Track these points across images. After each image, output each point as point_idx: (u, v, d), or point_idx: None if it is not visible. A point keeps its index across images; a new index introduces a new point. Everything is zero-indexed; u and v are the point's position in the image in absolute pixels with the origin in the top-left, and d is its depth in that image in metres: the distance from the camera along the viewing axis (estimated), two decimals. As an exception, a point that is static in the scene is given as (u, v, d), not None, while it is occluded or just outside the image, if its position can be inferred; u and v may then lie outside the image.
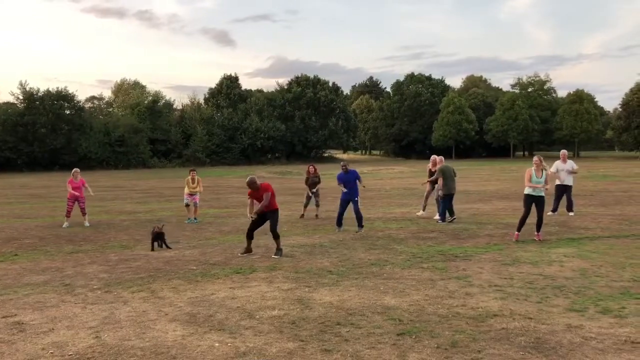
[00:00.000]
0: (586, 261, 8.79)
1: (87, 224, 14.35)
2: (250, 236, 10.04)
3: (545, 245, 10.34)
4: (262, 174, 41.95)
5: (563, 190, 14.86)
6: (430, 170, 15.18)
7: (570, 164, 15.04)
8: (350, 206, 12.72)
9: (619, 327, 5.56)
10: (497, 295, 6.83)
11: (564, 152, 15.52)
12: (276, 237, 9.86)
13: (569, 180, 14.89)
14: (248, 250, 10.01)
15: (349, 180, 12.83)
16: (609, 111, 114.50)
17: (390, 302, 6.62)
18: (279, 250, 9.77)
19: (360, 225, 12.49)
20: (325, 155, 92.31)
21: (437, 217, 14.48)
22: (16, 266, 9.34)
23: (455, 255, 9.45)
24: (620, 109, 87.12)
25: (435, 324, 5.74)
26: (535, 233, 10.91)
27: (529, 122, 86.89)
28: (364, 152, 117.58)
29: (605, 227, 12.59)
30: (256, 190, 9.89)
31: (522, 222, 11.03)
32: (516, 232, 11.05)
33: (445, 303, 6.53)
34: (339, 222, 12.83)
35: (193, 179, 15.20)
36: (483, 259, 9.11)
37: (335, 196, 22.43)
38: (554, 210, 14.69)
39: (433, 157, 15.49)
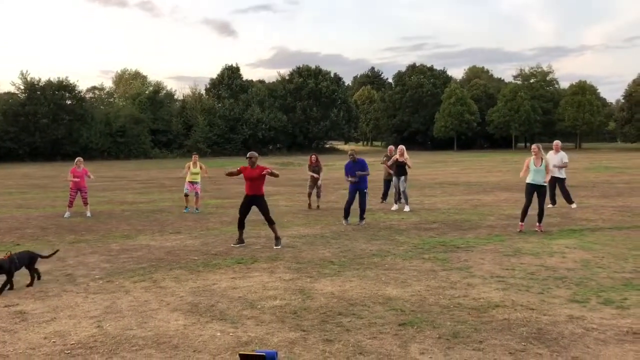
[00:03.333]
0: (588, 252, 8.78)
1: (88, 214, 14.34)
2: (241, 225, 9.96)
3: (546, 236, 10.33)
4: (263, 164, 41.91)
5: (554, 182, 14.60)
6: (397, 159, 14.63)
7: (561, 156, 14.68)
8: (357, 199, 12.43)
9: (621, 318, 5.56)
10: (499, 286, 6.83)
11: (557, 142, 15.19)
12: (271, 222, 9.79)
13: (559, 172, 14.61)
14: (240, 240, 9.93)
15: (356, 169, 12.49)
16: (611, 103, 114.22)
17: (391, 292, 6.62)
18: (277, 240, 9.71)
19: (362, 218, 12.35)
20: (327, 146, 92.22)
21: (407, 208, 14.44)
22: (18, 256, 9.33)
23: (456, 246, 9.45)
24: (623, 101, 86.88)
25: (436, 315, 5.74)
26: (537, 224, 10.92)
27: (531, 113, 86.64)
28: (365, 143, 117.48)
29: (607, 218, 12.57)
30: (253, 167, 9.87)
31: (525, 211, 11.06)
32: (520, 223, 11.08)
33: (447, 294, 6.53)
34: (347, 214, 12.45)
35: (195, 163, 15.18)
36: (485, 250, 9.11)
37: (336, 187, 22.43)
38: (553, 203, 14.61)
39: (401, 146, 15.02)
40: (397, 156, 14.71)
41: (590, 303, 6.09)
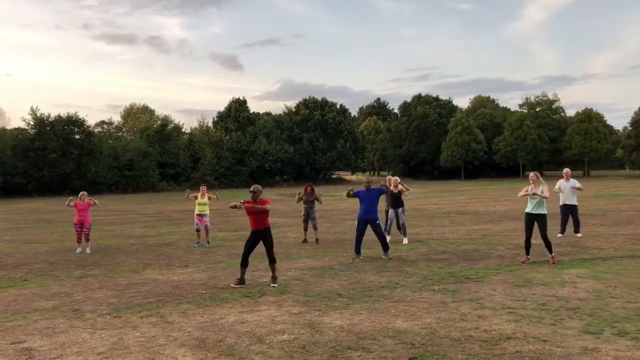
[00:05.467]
0: (600, 282, 8.66)
1: (88, 250, 13.98)
2: (245, 263, 9.37)
3: (557, 266, 10.21)
4: (271, 196, 41.96)
5: (569, 210, 14.64)
6: (392, 191, 13.90)
7: (573, 182, 14.86)
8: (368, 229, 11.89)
9: (636, 350, 5.44)
10: (510, 318, 6.72)
11: (567, 170, 15.29)
12: (273, 261, 9.32)
13: (573, 200, 14.67)
14: (241, 281, 9.31)
15: (369, 198, 11.90)
16: (618, 130, 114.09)
17: (401, 325, 6.54)
18: (274, 279, 9.30)
19: (385, 250, 11.80)
20: (334, 176, 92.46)
21: (405, 240, 14.13)
22: (26, 291, 9.33)
23: (466, 277, 9.35)
24: (630, 128, 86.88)
25: (447, 348, 5.65)
26: (549, 255, 10.60)
27: (538, 141, 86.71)
28: (372, 173, 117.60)
29: (619, 246, 12.43)
30: (256, 201, 9.38)
31: (527, 243, 10.78)
32: (525, 256, 10.76)
33: (458, 326, 6.43)
34: (357, 249, 11.91)
35: (203, 194, 15.12)
36: (495, 281, 9.00)
37: (343, 217, 22.36)
38: (562, 231, 14.49)
39: (395, 178, 14.53)
40: (391, 188, 14.02)
41: (604, 334, 5.97)
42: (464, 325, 6.47)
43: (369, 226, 11.90)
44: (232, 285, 9.28)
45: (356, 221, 12.30)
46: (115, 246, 15.35)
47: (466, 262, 10.92)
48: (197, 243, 14.85)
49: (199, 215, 14.99)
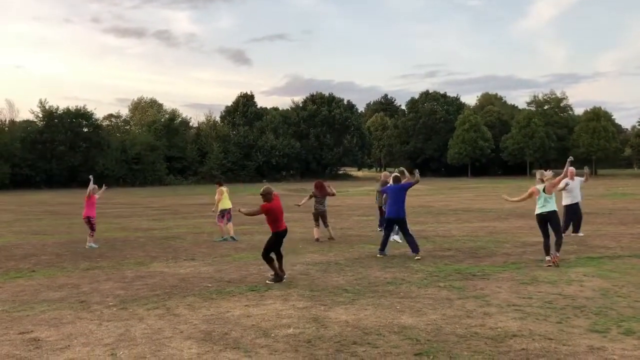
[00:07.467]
0: (607, 281, 8.62)
1: (88, 245, 13.70)
2: (272, 259, 9.22)
3: (564, 264, 10.15)
4: (277, 191, 41.95)
5: (575, 209, 14.43)
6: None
7: (578, 182, 14.64)
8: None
9: (643, 349, 5.42)
10: (516, 315, 6.71)
11: (571, 169, 14.93)
12: (281, 256, 9.37)
13: (578, 197, 14.45)
14: (278, 277, 9.10)
15: (396, 192, 11.52)
16: (626, 129, 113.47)
17: (407, 321, 6.54)
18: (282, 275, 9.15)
19: (416, 250, 11.13)
20: (340, 172, 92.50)
21: (396, 238, 13.71)
22: (33, 282, 9.39)
23: (472, 274, 9.33)
24: (639, 127, 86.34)
25: (453, 344, 5.64)
26: (552, 253, 10.10)
27: (546, 139, 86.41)
28: (378, 169, 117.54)
29: (626, 246, 12.36)
30: (272, 200, 9.62)
31: (547, 246, 10.24)
32: (546, 258, 10.12)
33: (463, 323, 6.43)
34: (383, 247, 11.53)
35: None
36: (501, 278, 8.98)
37: (349, 213, 22.37)
38: (567, 228, 14.38)
39: (386, 174, 13.99)
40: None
41: (610, 333, 5.95)
42: (469, 322, 6.46)
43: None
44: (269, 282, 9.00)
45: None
46: (122, 239, 15.42)
47: (472, 259, 10.90)
48: (232, 238, 14.42)
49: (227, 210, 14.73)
